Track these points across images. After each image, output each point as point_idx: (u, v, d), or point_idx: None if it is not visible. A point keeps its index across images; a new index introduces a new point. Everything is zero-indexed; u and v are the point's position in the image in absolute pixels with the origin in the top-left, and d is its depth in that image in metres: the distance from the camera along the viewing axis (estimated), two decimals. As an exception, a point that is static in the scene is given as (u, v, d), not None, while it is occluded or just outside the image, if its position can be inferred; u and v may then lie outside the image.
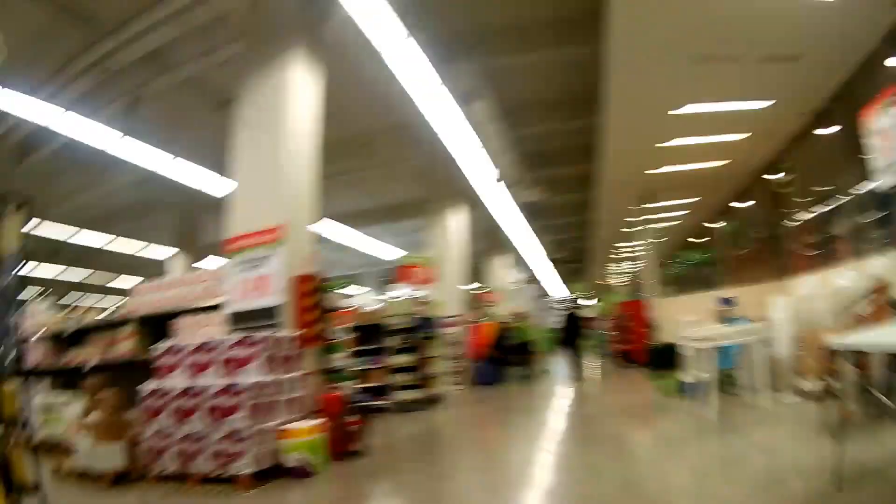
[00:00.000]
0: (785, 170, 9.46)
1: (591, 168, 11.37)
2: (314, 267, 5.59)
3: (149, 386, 4.88)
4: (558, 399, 9.11)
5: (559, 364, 14.04)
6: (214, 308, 5.60)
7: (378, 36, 5.42)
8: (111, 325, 6.53)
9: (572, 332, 11.36)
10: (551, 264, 23.08)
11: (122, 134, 7.27)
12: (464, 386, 11.04)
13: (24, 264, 2.27)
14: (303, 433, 4.60)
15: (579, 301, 29.49)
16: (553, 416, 7.40)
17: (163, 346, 5.09)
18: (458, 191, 11.60)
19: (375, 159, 10.99)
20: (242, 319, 5.36)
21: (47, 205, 10.82)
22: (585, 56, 7.40)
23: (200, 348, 4.85)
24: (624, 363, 11.30)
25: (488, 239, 16.75)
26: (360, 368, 8.49)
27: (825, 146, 8.26)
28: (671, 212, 12.97)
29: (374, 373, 8.46)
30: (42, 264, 14.66)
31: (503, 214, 13.16)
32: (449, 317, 11.04)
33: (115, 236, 13.64)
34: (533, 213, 15.37)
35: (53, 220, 11.66)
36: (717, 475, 3.38)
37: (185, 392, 4.68)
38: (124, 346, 6.19)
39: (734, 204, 12.71)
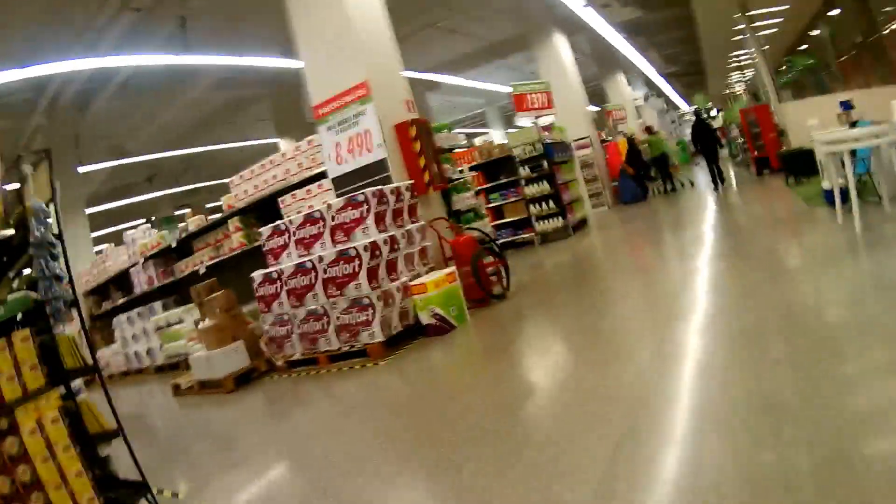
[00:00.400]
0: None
1: None
2: (414, 112, 5.42)
3: (259, 274, 4.70)
4: (703, 211, 8.46)
5: (699, 175, 13.70)
6: (318, 179, 5.51)
7: None
8: (216, 225, 6.54)
9: (706, 142, 10.79)
10: (665, 79, 22.29)
11: (180, 52, 7.03)
12: (607, 207, 11.17)
13: (56, 214, 2.26)
14: (433, 286, 4.24)
15: (704, 111, 28.04)
16: (700, 230, 6.74)
17: (267, 229, 4.87)
18: (553, 18, 11.31)
19: (457, 3, 10.30)
20: (349, 181, 5.25)
21: (125, 139, 11.03)
22: None
23: (306, 222, 4.61)
24: (759, 170, 10.53)
25: (603, 60, 16.38)
26: (495, 205, 8.73)
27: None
28: (770, 19, 11.09)
29: (511, 206, 8.66)
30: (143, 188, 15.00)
31: (608, 36, 12.60)
32: (579, 139, 11.08)
33: (209, 146, 13.46)
34: (634, 30, 14.17)
35: (134, 155, 11.74)
36: (880, 301, 2.82)
37: (298, 270, 4.46)
38: (234, 239, 6.23)
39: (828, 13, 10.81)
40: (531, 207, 8.39)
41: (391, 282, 4.38)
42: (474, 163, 8.65)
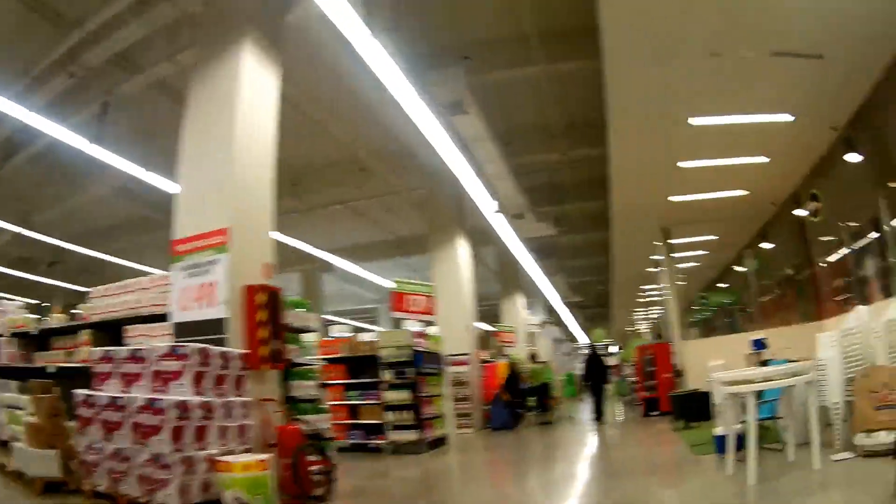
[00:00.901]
0: (810, 200, 8.50)
1: (606, 204, 10.59)
2: (271, 278, 4.93)
3: (82, 393, 4.45)
4: (577, 448, 8.21)
5: (581, 410, 13.34)
6: (164, 318, 5.07)
7: (353, 38, 4.89)
8: (72, 330, 6.21)
9: (596, 377, 10.95)
10: (567, 308, 21.82)
11: (92, 139, 6.82)
12: (474, 429, 10.25)
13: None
14: (240, 468, 3.89)
15: (600, 346, 28.14)
16: (568, 469, 6.42)
17: (99, 351, 4.68)
18: (463, 223, 11.07)
19: (372, 186, 10.58)
20: (188, 331, 4.72)
21: (33, 210, 10.51)
22: (587, 72, 6.91)
23: (131, 357, 4.39)
24: (646, 411, 10.48)
25: (506, 278, 16.30)
26: (352, 403, 8.02)
27: (852, 172, 7.38)
28: (692, 250, 12.10)
29: (368, 409, 7.86)
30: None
31: (516, 251, 12.40)
32: (457, 354, 10.38)
33: (108, 255, 12.95)
34: (545, 251, 14.70)
35: (38, 231, 11.02)
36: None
37: (111, 403, 4.20)
38: (83, 351, 5.75)
39: (761, 244, 11.72)
40: (388, 414, 7.73)
41: (197, 449, 3.94)
42: (339, 354, 8.11)
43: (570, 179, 11.24)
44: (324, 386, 7.52)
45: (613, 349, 25.02)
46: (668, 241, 10.74)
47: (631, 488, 4.57)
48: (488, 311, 20.55)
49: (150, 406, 3.96)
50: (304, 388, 5.28)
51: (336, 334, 12.35)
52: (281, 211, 12.14)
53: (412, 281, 9.14)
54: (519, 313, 16.41)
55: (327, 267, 14.77)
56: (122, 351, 4.53)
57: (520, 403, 11.12)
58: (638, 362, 10.92)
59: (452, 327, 10.37)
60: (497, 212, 9.46)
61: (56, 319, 6.64)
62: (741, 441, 4.17)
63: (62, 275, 14.19)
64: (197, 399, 4.03)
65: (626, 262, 13.23)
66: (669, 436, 7.44)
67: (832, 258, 8.79)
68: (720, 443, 4.70)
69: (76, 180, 9.31)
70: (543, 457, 7.63)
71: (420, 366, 7.87)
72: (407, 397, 7.67)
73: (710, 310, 12.02)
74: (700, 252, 12.49)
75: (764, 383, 4.04)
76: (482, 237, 13.54)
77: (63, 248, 12.23)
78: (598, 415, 10.50)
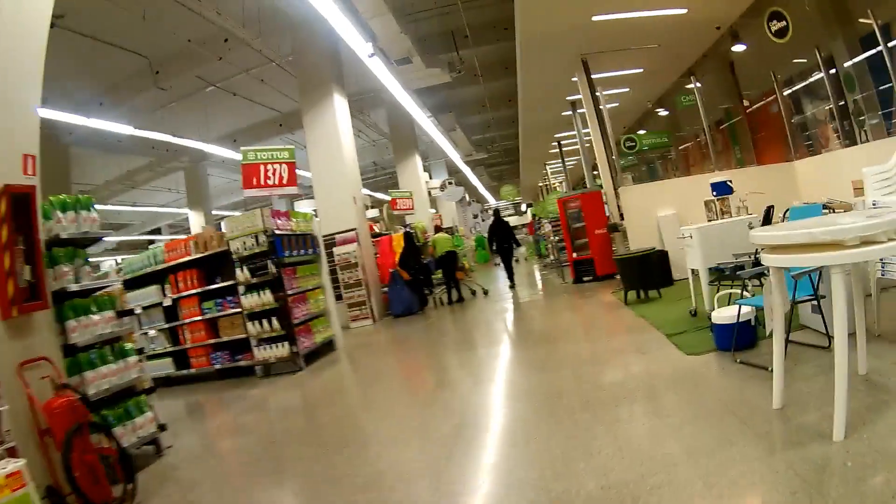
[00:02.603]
0: (771, 20, 7.23)
1: (511, 45, 8.93)
2: (33, 176, 3.26)
3: None
4: (495, 332, 6.64)
5: (498, 279, 12.45)
6: None
7: None
8: None
9: (501, 240, 10.27)
10: (470, 168, 20.84)
11: None
12: (372, 321, 8.80)
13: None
14: None
15: (506, 206, 28.16)
16: (489, 362, 5.06)
17: None
18: (340, 80, 9.41)
19: (241, 57, 9.05)
20: None
21: None
22: None
23: None
24: (578, 276, 8.98)
25: (398, 139, 14.95)
26: (209, 317, 6.31)
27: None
28: (614, 87, 10.77)
29: (228, 321, 6.25)
30: None
31: (408, 106, 10.65)
32: (342, 231, 8.92)
33: None
34: (441, 107, 13.26)
35: None
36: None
37: None
38: None
39: (689, 85, 10.65)
40: (250, 325, 6.00)
41: None
42: (190, 257, 6.28)
43: (466, 21, 9.46)
44: (174, 303, 6.37)
45: (525, 208, 24.94)
46: (589, 75, 9.17)
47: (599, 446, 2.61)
48: (387, 181, 19.04)
49: None
50: (95, 328, 3.63)
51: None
52: (149, 106, 10.18)
53: (263, 147, 6.84)
54: (417, 177, 15.10)
55: (210, 159, 13.54)
56: None
57: (423, 281, 9.69)
58: (562, 218, 9.29)
59: (334, 200, 8.96)
60: (372, 55, 7.14)
61: None
62: (745, 334, 3.43)
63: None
64: None
65: (537, 105, 11.80)
66: (622, 313, 5.61)
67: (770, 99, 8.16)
68: (722, 335, 3.48)
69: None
70: (459, 344, 6.22)
71: (282, 255, 6.10)
72: (269, 300, 5.93)
73: (637, 153, 10.76)
74: (622, 90, 11.33)
75: (863, 248, 2.02)
76: (372, 100, 12.25)
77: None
78: (512, 282, 10.31)
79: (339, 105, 9.24)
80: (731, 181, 5.80)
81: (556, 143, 16.09)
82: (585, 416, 3.02)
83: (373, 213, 14.11)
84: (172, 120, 10.55)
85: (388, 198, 14.15)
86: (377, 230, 11.00)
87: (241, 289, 6.05)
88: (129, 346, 3.92)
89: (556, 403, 3.37)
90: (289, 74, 9.93)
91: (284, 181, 6.67)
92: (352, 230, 8.98)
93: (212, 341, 6.34)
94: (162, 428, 3.94)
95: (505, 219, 11.24)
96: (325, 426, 4.00)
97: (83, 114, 7.96)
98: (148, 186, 15.33)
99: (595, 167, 11.11)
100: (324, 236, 7.79)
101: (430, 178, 17.50)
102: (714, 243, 4.45)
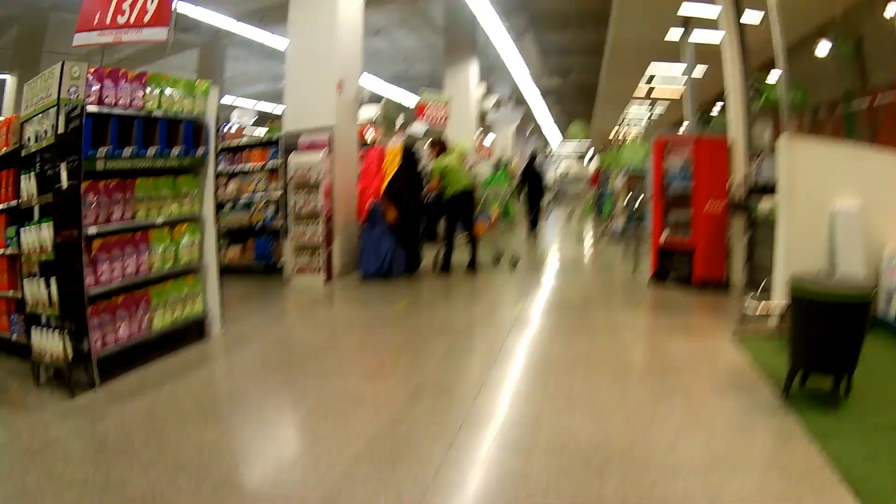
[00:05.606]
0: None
1: None
2: None
3: None
4: (514, 332, 3.99)
5: (527, 246, 8.87)
6: None
7: None
8: None
9: (532, 187, 10.34)
10: (540, 94, 17.40)
11: None
12: (326, 278, 5.58)
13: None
14: None
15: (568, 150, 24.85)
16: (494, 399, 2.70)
17: None
18: None
19: None
20: None
21: None
22: None
23: None
24: (661, 273, 5.56)
25: (452, 37, 11.86)
26: (11, 253, 3.31)
27: None
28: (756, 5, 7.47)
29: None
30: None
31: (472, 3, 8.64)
32: (310, 131, 5.86)
33: None
34: (516, 7, 10.42)
35: None
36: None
37: None
38: None
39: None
40: (24, 291, 3.21)
41: None
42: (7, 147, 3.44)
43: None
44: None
45: (591, 154, 21.85)
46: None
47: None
48: (433, 80, 14.39)
49: None
50: None
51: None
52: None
53: None
54: (467, 86, 11.53)
55: (232, 38, 11.56)
56: None
57: (422, 228, 6.46)
58: (656, 172, 5.61)
59: (311, 83, 6.03)
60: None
61: None
62: None
63: None
64: None
65: (636, 15, 8.31)
66: (779, 438, 2.28)
67: None
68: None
69: None
70: (451, 346, 3.59)
71: (90, 154, 3.04)
72: (46, 240, 3.00)
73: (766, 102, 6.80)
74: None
75: None
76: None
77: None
78: (533, 226, 10.23)
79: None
80: None
81: (647, 80, 12.56)
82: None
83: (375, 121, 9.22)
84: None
85: (412, 99, 11.13)
86: (374, 139, 7.93)
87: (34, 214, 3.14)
88: None
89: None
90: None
91: (146, 19, 3.74)
92: (322, 130, 5.85)
93: (9, 293, 3.46)
94: None
95: (539, 167, 11.19)
96: None
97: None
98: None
99: (706, 110, 8.01)
100: (286, 135, 5.85)
101: (488, 93, 14.35)
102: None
